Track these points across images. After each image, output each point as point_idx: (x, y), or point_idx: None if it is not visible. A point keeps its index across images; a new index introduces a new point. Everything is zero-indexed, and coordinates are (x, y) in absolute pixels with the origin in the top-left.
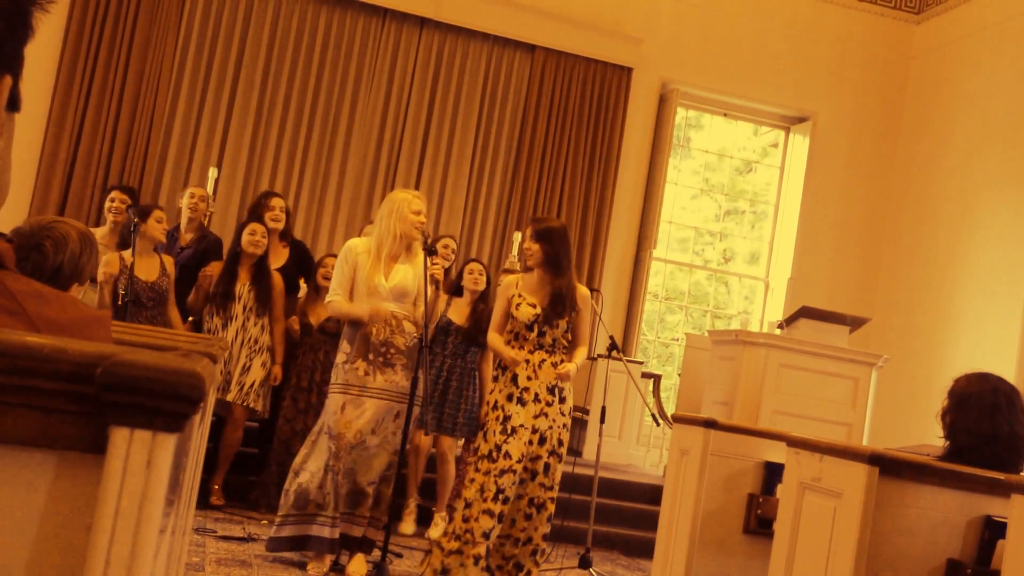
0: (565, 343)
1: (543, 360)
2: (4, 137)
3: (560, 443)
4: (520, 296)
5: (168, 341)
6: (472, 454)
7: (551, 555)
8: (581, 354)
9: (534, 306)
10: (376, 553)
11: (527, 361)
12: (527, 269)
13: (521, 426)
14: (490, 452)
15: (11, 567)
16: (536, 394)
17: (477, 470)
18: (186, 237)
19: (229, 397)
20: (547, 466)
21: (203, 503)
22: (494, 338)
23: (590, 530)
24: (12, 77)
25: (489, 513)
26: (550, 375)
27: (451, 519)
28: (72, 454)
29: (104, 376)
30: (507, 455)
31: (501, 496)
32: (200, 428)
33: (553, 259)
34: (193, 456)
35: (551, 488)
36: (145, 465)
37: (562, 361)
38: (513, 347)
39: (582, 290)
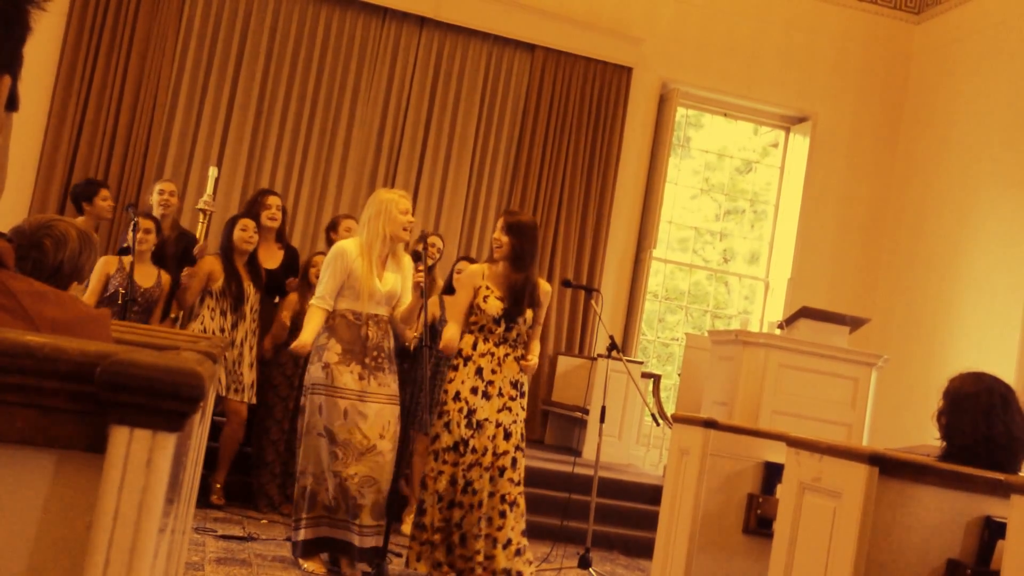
0: (526, 338)
1: (507, 354)
2: (2, 136)
3: (522, 437)
4: (488, 288)
5: (168, 340)
6: (432, 443)
7: (551, 555)
8: (537, 348)
9: (502, 299)
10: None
11: (491, 354)
12: (493, 260)
13: (486, 420)
14: (456, 445)
15: (11, 566)
16: (500, 388)
17: (445, 462)
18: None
19: (243, 397)
20: (514, 461)
21: (203, 502)
22: (451, 332)
23: (590, 530)
24: (11, 77)
25: (459, 506)
26: (513, 369)
27: (420, 512)
28: (72, 453)
29: (104, 375)
30: (473, 449)
31: (471, 489)
32: (200, 427)
33: (519, 254)
34: (193, 455)
35: (519, 483)
36: (145, 464)
37: (522, 356)
38: (477, 339)
39: (543, 285)
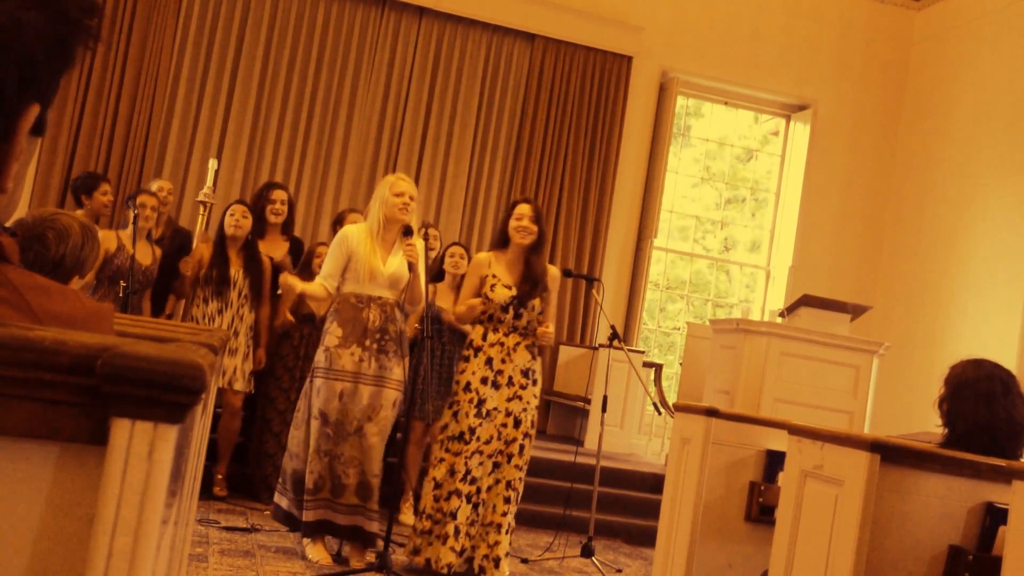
0: (536, 326)
1: (518, 343)
2: (22, 160)
3: (532, 424)
4: (495, 277)
5: (170, 333)
6: (440, 432)
7: (554, 544)
8: (551, 328)
9: (510, 287)
10: (378, 543)
11: (501, 344)
12: (500, 247)
13: (495, 409)
14: (462, 434)
15: (13, 559)
16: (510, 377)
17: (448, 451)
18: (156, 231)
19: (233, 386)
20: (521, 448)
21: (206, 493)
22: (457, 309)
23: (592, 519)
24: (41, 105)
25: (457, 493)
26: (524, 358)
27: (417, 498)
28: (73, 446)
29: (105, 368)
30: (478, 437)
31: (469, 477)
32: (202, 419)
33: (543, 240)
34: (195, 447)
35: (522, 468)
36: (147, 456)
37: (533, 344)
38: (487, 329)
39: (552, 270)
